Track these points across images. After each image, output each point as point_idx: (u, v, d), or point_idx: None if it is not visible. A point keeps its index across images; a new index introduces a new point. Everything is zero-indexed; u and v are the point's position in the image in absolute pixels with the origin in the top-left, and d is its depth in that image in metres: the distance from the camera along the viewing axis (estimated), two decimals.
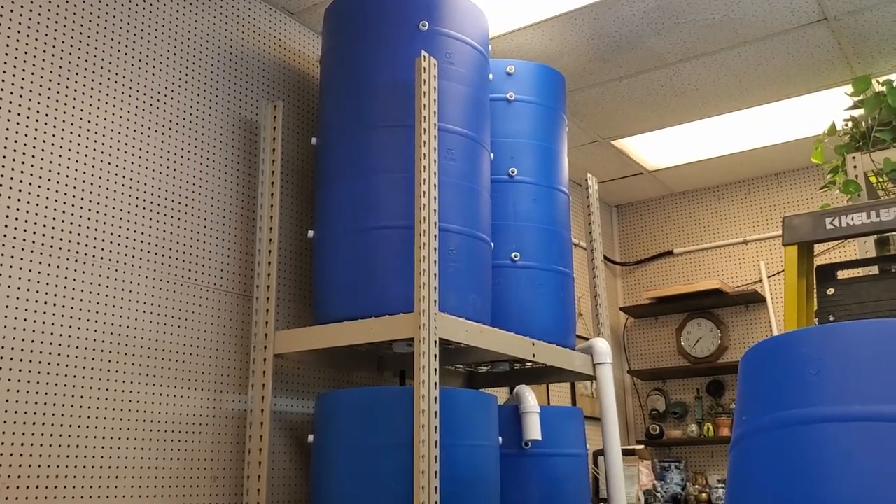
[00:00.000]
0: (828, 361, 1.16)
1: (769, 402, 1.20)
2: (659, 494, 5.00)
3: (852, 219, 1.74)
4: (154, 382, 2.34)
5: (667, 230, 5.63)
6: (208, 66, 2.71)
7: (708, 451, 5.17)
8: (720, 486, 4.91)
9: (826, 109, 4.25)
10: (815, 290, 1.89)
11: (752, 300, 5.12)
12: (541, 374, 3.30)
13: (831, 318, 1.79)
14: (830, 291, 1.79)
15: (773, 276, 5.17)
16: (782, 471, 1.13)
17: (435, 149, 2.39)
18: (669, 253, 5.58)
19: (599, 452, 4.36)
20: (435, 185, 2.36)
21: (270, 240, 2.67)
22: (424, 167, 2.35)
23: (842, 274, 1.93)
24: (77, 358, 2.16)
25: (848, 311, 1.76)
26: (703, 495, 4.93)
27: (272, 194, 2.71)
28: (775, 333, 5.04)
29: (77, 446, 2.11)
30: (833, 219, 1.77)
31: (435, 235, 2.33)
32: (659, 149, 4.79)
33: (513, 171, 3.00)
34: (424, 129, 2.38)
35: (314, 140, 2.76)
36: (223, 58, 2.77)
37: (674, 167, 5.09)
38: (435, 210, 2.34)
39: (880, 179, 3.30)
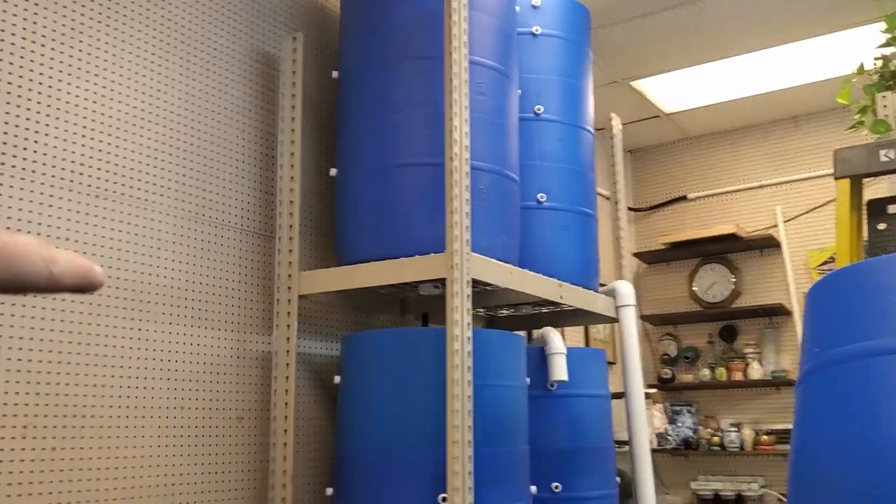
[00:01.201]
0: None
1: (845, 333, 1.15)
2: (671, 438, 5.02)
3: None
4: (178, 322, 2.29)
5: (681, 175, 5.56)
6: None
7: (720, 395, 5.18)
8: (732, 429, 4.92)
9: (846, 50, 4.15)
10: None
11: (767, 245, 5.08)
12: (561, 318, 3.26)
13: (883, 253, 1.73)
14: (882, 226, 1.74)
15: (789, 220, 5.11)
16: (863, 403, 1.09)
17: (466, 82, 2.31)
18: (683, 198, 5.52)
19: (614, 395, 4.35)
20: (466, 120, 2.29)
21: (292, 178, 2.60)
22: (455, 100, 2.27)
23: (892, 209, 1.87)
24: (100, 296, 2.10)
25: None
26: (715, 438, 4.95)
27: (293, 130, 2.63)
28: (790, 278, 5.01)
29: (103, 386, 2.07)
30: (888, 151, 1.71)
31: (467, 173, 2.26)
32: (677, 91, 4.70)
33: (539, 109, 2.92)
34: (455, 61, 2.29)
35: (335, 74, 2.67)
36: None
37: (690, 110, 5.00)
38: (466, 146, 2.27)
39: None
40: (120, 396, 2.11)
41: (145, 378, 2.18)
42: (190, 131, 2.42)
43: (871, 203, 1.78)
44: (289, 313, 2.51)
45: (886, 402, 1.07)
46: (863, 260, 1.61)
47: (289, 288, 2.53)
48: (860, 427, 1.09)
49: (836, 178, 1.73)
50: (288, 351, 2.49)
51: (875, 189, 4.74)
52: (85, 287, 0.38)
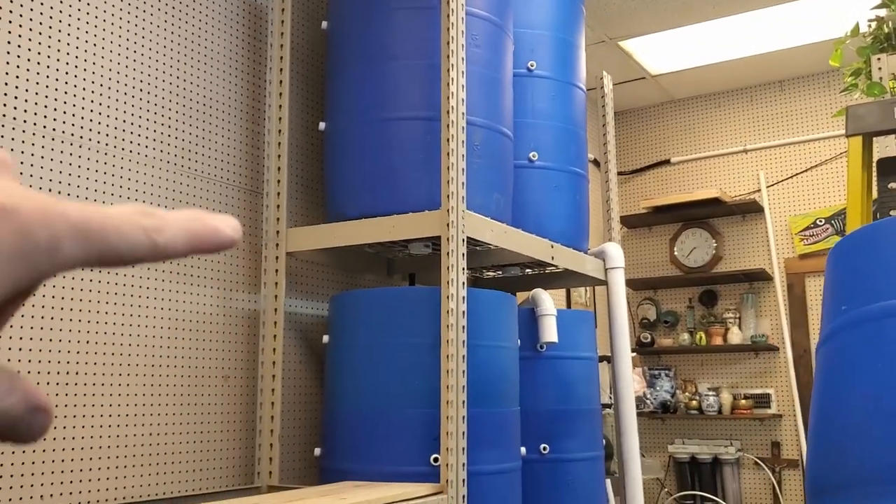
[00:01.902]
0: None
1: (879, 290, 1.11)
2: (648, 401, 5.05)
3: None
4: (162, 279, 2.22)
5: (664, 138, 5.53)
6: None
7: (698, 359, 5.20)
8: (710, 393, 4.96)
9: (833, 13, 4.11)
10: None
11: (749, 210, 5.08)
12: (548, 280, 3.23)
13: (892, 213, 1.71)
14: (893, 185, 1.71)
15: (772, 185, 5.11)
16: (894, 361, 1.06)
17: (462, 33, 2.24)
18: (666, 162, 5.50)
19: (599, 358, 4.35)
20: (462, 73, 2.22)
21: (280, 131, 2.52)
22: (452, 52, 2.20)
23: None
24: None
25: None
26: (693, 402, 4.98)
27: (281, 82, 2.55)
28: (772, 244, 5.02)
29: (87, 342, 2.00)
30: None
31: (462, 128, 2.20)
32: (664, 52, 4.64)
33: (532, 65, 2.85)
34: (452, 10, 2.22)
35: (325, 24, 2.58)
36: None
37: (677, 72, 4.95)
38: (462, 100, 2.21)
39: None
40: (104, 353, 2.04)
41: (129, 335, 2.11)
42: (175, 81, 2.33)
43: (882, 162, 1.75)
44: (276, 271, 2.45)
45: None
46: (878, 220, 1.58)
47: (276, 245, 2.46)
48: (889, 385, 1.06)
49: (848, 136, 1.69)
50: (276, 309, 2.43)
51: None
52: (208, 249, 0.33)
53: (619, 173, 5.63)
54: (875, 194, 1.73)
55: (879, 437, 0.97)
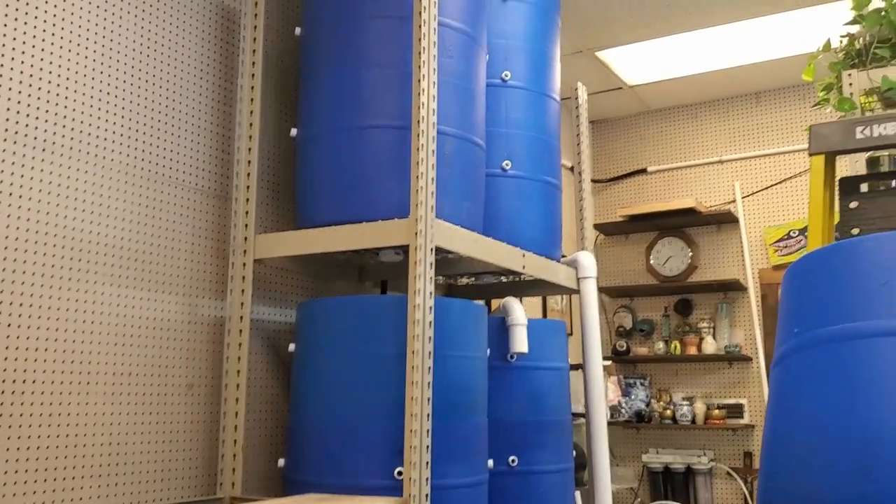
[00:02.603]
0: None
1: (829, 314, 1.11)
2: (623, 410, 5.06)
3: (885, 128, 1.66)
4: (126, 285, 2.19)
5: (641, 148, 5.55)
6: None
7: (673, 368, 5.22)
8: (684, 402, 4.97)
9: (809, 27, 4.14)
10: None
11: (724, 220, 5.11)
12: (522, 288, 3.22)
13: (854, 232, 1.72)
14: (854, 205, 1.72)
15: (748, 196, 5.14)
16: (845, 385, 1.06)
17: (435, 43, 2.23)
18: (643, 171, 5.52)
19: (571, 367, 4.36)
20: (434, 83, 2.21)
21: (250, 137, 2.50)
22: (423, 62, 2.19)
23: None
24: (43, 255, 1.99)
25: (873, 224, 1.69)
26: (668, 412, 4.99)
27: (252, 87, 2.53)
28: (746, 254, 5.05)
29: (45, 350, 1.97)
30: (864, 128, 1.68)
31: (433, 137, 2.19)
32: (640, 63, 4.66)
33: (506, 75, 2.85)
34: (424, 21, 2.21)
35: (298, 30, 2.57)
36: None
37: (653, 83, 4.97)
38: (434, 110, 2.20)
39: (869, 100, 3.22)
40: (63, 361, 2.01)
41: (91, 342, 2.08)
42: (143, 84, 2.30)
43: (843, 181, 1.76)
44: (243, 278, 2.43)
45: (869, 384, 1.04)
46: (839, 240, 1.58)
47: (244, 251, 2.44)
48: (841, 409, 1.06)
49: (811, 155, 1.70)
50: (241, 317, 2.41)
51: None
52: None
53: (597, 181, 5.65)
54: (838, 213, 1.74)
55: (823, 465, 0.97)
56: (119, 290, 2.17)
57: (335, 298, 2.32)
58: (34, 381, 1.94)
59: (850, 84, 3.09)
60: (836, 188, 1.77)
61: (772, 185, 5.07)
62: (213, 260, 2.45)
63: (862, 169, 2.98)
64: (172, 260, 2.33)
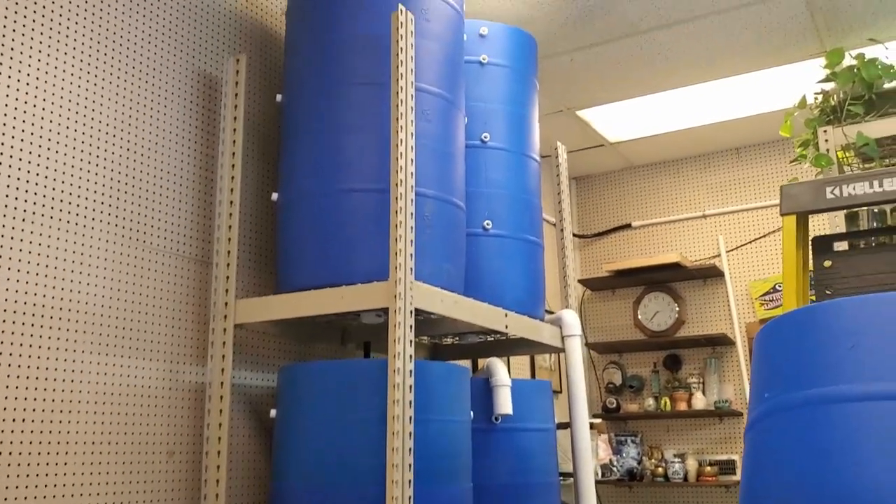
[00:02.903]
0: (865, 335, 1.08)
1: (798, 379, 1.11)
2: (615, 468, 5.00)
3: (854, 188, 1.68)
4: (106, 352, 2.18)
5: (625, 203, 5.60)
6: (167, 14, 2.52)
7: (664, 424, 5.18)
8: (676, 460, 4.92)
9: (788, 84, 4.23)
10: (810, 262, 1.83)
11: (710, 274, 5.12)
12: (507, 347, 3.22)
13: (828, 292, 1.73)
14: (828, 263, 1.73)
15: (732, 250, 5.17)
16: (816, 451, 1.05)
17: (412, 109, 2.26)
18: (628, 226, 5.55)
19: (559, 425, 4.33)
20: (412, 147, 2.24)
21: (231, 202, 2.52)
22: (401, 127, 2.22)
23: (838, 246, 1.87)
24: (22, 324, 1.99)
25: (846, 284, 1.70)
26: (660, 469, 4.94)
27: (233, 153, 2.55)
28: (733, 308, 5.06)
29: (23, 420, 1.95)
30: (834, 188, 1.70)
31: (411, 200, 2.21)
32: (621, 121, 4.73)
33: (486, 137, 2.89)
34: (401, 88, 2.24)
35: (279, 97, 2.60)
36: (184, 6, 2.58)
37: (634, 140, 5.04)
38: (412, 173, 2.22)
39: (847, 155, 3.27)
40: (41, 431, 1.99)
41: (69, 412, 2.06)
42: (125, 152, 2.32)
43: (816, 240, 1.77)
44: (224, 343, 2.42)
45: (837, 450, 1.04)
46: (810, 303, 1.59)
47: (225, 316, 2.43)
48: (813, 476, 1.06)
49: (783, 215, 1.72)
50: (222, 382, 2.39)
51: (822, 225, 4.82)
52: None
53: (582, 237, 5.68)
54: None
55: None
56: (99, 357, 2.15)
57: (316, 363, 2.31)
58: (11, 453, 1.91)
59: (826, 140, 3.14)
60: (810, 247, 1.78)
61: (755, 239, 5.11)
62: (193, 325, 2.45)
63: (842, 223, 3.01)
64: (153, 326, 2.32)
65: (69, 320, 2.10)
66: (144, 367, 2.27)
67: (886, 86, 3.12)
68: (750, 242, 5.12)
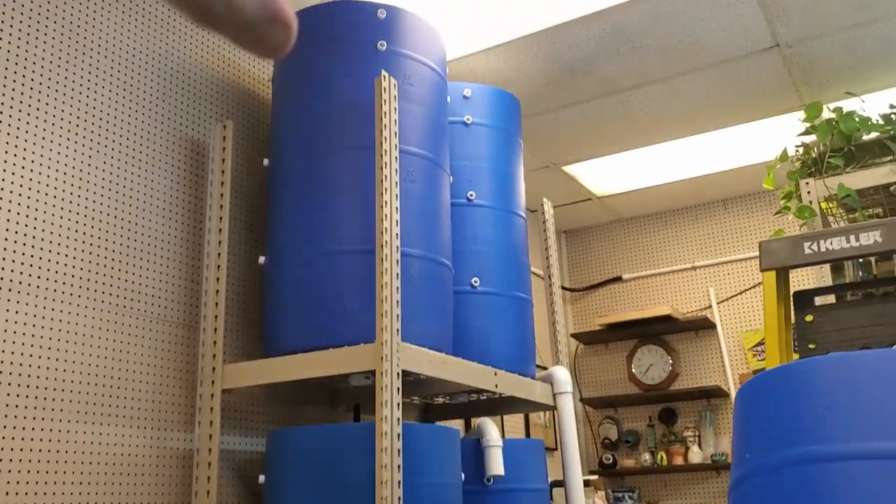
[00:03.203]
0: (841, 394, 1.08)
1: (776, 439, 1.12)
2: None
3: (831, 243, 1.70)
4: (93, 420, 2.16)
5: (616, 256, 5.62)
6: (154, 83, 2.56)
7: (661, 479, 5.12)
8: None
9: (771, 137, 4.29)
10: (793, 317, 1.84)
11: (702, 326, 5.12)
12: (499, 405, 3.20)
13: (811, 346, 1.73)
14: (809, 318, 1.74)
15: (723, 302, 5.18)
16: None
17: (396, 171, 2.29)
18: (619, 279, 5.57)
19: (554, 483, 4.28)
20: (396, 209, 2.26)
21: (219, 266, 2.53)
22: (386, 189, 2.24)
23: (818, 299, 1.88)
24: (7, 394, 1.97)
25: (828, 338, 1.71)
26: None
27: (221, 218, 2.57)
28: (726, 360, 5.05)
29: (7, 493, 1.93)
30: (811, 243, 1.72)
31: (397, 261, 2.22)
32: (606, 175, 4.78)
33: (471, 195, 2.92)
34: (385, 151, 2.28)
35: (266, 161, 2.63)
36: (170, 75, 2.63)
37: (622, 193, 5.09)
38: (397, 234, 2.24)
39: (830, 205, 3.31)
40: (26, 501, 1.96)
41: (56, 482, 2.04)
42: (111, 220, 2.34)
43: (798, 294, 1.79)
44: (212, 408, 2.40)
45: None
46: (789, 359, 1.60)
47: (212, 382, 2.42)
48: None
49: (763, 271, 1.73)
50: (210, 449, 2.37)
51: (806, 278, 4.84)
52: (270, 18, 0.34)
53: (573, 290, 5.69)
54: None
55: None
56: (86, 426, 2.14)
57: (304, 428, 2.30)
58: None
59: (809, 192, 3.18)
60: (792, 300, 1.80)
61: (746, 290, 5.12)
62: (181, 391, 2.43)
63: (828, 275, 3.03)
64: (139, 393, 2.31)
65: (55, 389, 2.09)
66: (131, 434, 2.26)
67: (865, 138, 3.17)
68: (740, 293, 5.13)
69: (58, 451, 2.06)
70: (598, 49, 3.32)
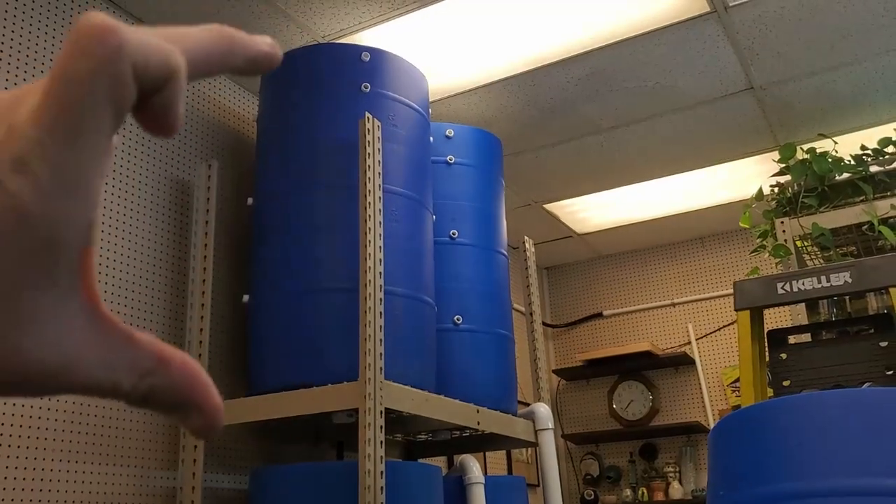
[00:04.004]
0: (812, 433, 1.12)
1: (749, 476, 1.15)
2: None
3: (803, 284, 1.75)
4: (76, 459, 2.16)
5: (596, 292, 5.67)
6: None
7: None
8: None
9: (747, 176, 4.38)
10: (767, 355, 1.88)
11: (681, 362, 5.17)
12: (481, 442, 3.21)
13: (785, 384, 1.78)
14: (783, 356, 1.79)
15: (702, 338, 5.24)
16: None
17: (380, 210, 2.33)
18: (599, 315, 5.61)
19: None
20: (380, 248, 2.30)
21: (203, 305, 2.55)
22: (369, 229, 2.28)
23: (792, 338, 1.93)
24: None
25: (802, 376, 1.75)
26: None
27: (205, 256, 2.59)
28: (705, 396, 5.09)
29: None
30: (784, 283, 1.77)
31: (380, 299, 2.25)
32: (588, 213, 4.85)
33: (454, 234, 2.96)
34: (369, 191, 2.32)
35: (250, 200, 2.67)
36: None
37: (602, 231, 5.15)
38: (380, 273, 2.27)
39: (805, 244, 3.38)
40: None
41: None
42: (95, 258, 2.35)
43: (772, 333, 1.84)
44: (195, 447, 2.41)
45: None
46: (764, 397, 1.64)
47: None
48: None
49: (737, 310, 1.78)
50: (193, 487, 2.37)
51: (781, 317, 4.91)
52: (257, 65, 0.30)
53: (554, 326, 5.73)
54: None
55: None
56: (70, 464, 2.14)
57: (287, 466, 2.31)
58: None
59: (784, 231, 3.25)
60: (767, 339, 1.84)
61: (724, 326, 5.18)
62: (164, 429, 2.44)
63: (803, 313, 3.08)
64: (124, 431, 2.31)
65: (38, 428, 2.09)
66: (115, 472, 2.25)
67: (837, 178, 3.25)
68: (719, 330, 5.19)
69: (41, 490, 2.06)
70: (577, 91, 3.39)
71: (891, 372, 1.63)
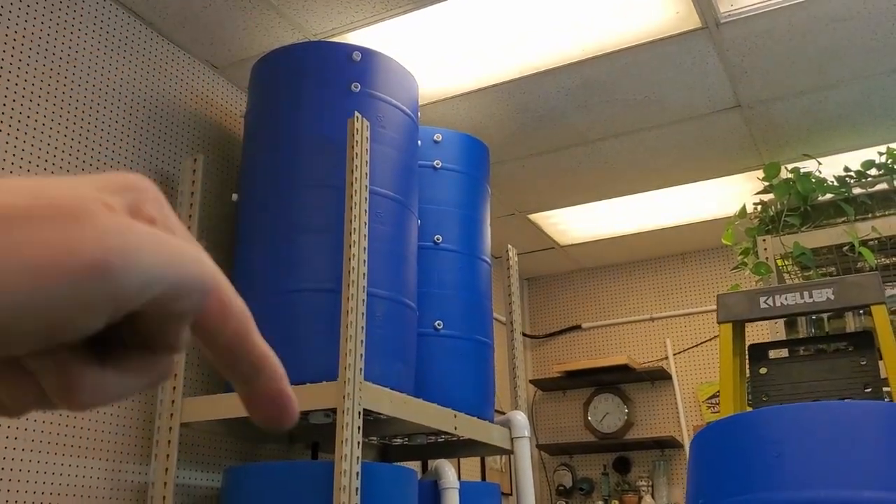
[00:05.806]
0: (791, 443, 1.12)
1: (729, 486, 1.15)
2: None
3: (786, 299, 1.76)
4: (48, 450, 2.13)
5: (576, 304, 5.68)
6: (126, 115, 2.58)
7: None
8: None
9: (730, 194, 4.41)
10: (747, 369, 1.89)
11: (658, 377, 5.18)
12: (457, 448, 3.20)
13: (764, 398, 1.78)
14: (763, 370, 1.80)
15: (679, 353, 5.26)
16: None
17: (365, 211, 2.32)
18: (578, 327, 5.62)
19: None
20: (364, 249, 2.29)
21: None
22: (354, 229, 2.27)
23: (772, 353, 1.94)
24: None
25: (781, 391, 1.76)
26: None
27: None
28: (681, 411, 5.11)
29: None
30: (767, 298, 1.78)
31: (363, 300, 2.24)
32: (570, 225, 4.86)
33: (438, 239, 2.95)
34: (355, 191, 2.31)
35: (235, 196, 2.65)
36: (142, 108, 2.64)
37: (584, 243, 5.17)
38: (364, 274, 2.26)
39: (786, 263, 3.41)
40: None
41: None
42: None
43: (752, 347, 1.84)
44: (169, 442, 2.38)
45: None
46: (743, 411, 1.64)
47: (171, 415, 2.40)
48: None
49: (719, 323, 1.79)
50: (166, 482, 2.34)
51: (761, 332, 4.94)
52: (276, 415, 0.29)
53: (533, 337, 5.73)
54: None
55: None
56: (41, 455, 2.10)
57: (261, 464, 2.29)
58: None
59: (766, 249, 3.27)
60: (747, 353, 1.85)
61: (702, 343, 5.21)
62: (138, 423, 2.41)
63: (782, 330, 3.10)
64: (97, 423, 2.28)
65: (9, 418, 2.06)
66: (86, 465, 2.22)
67: (820, 198, 3.28)
68: (696, 346, 5.22)
69: (10, 480, 2.02)
70: (567, 100, 3.40)
71: (869, 389, 1.64)
